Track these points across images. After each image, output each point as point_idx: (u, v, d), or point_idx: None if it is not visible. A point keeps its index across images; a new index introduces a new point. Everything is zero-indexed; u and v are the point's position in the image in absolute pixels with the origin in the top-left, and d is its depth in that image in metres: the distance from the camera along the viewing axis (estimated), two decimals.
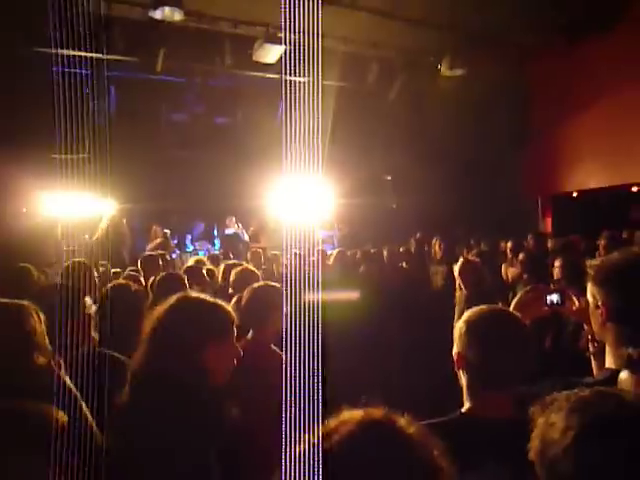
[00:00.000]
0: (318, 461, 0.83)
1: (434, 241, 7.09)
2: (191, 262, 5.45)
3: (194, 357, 1.55)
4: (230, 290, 3.68)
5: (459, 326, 1.58)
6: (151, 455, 1.38)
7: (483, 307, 1.63)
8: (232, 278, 3.75)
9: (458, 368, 1.57)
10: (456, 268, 4.51)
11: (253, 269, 3.92)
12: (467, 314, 1.59)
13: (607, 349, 1.59)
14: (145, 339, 1.60)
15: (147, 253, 6.45)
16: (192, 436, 1.44)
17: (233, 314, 1.69)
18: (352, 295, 4.67)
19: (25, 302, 1.75)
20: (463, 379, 1.56)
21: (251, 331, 2.52)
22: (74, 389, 1.58)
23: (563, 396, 0.98)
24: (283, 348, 1.32)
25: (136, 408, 1.49)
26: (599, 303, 1.57)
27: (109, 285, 2.93)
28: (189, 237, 10.56)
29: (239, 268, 3.94)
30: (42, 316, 1.72)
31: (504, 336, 1.52)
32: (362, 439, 0.83)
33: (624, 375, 1.26)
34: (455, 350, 1.58)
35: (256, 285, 2.70)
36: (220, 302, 1.71)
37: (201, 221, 11.03)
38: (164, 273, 3.59)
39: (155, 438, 1.39)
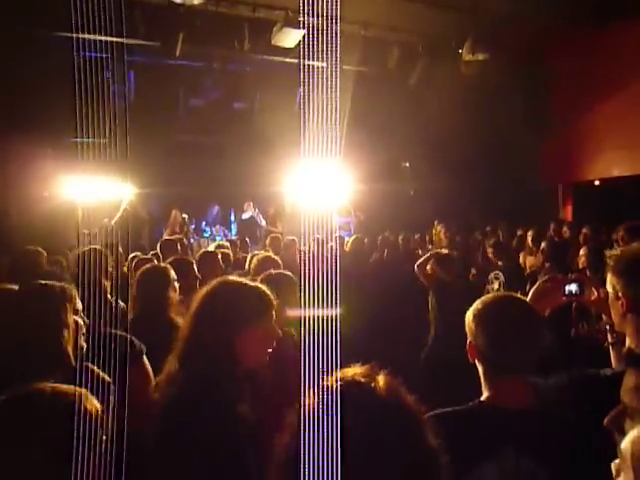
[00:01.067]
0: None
1: (439, 228, 7.04)
2: (211, 247, 5.51)
3: (230, 342, 1.58)
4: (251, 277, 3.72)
5: (468, 316, 1.58)
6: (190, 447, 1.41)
7: (492, 295, 1.63)
8: (253, 264, 3.78)
9: (472, 358, 1.57)
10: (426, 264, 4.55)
11: (275, 257, 3.93)
12: (476, 303, 1.59)
13: (627, 340, 1.57)
14: (186, 326, 1.64)
15: (165, 237, 6.52)
16: (225, 432, 1.47)
17: (271, 297, 1.73)
18: (367, 282, 4.68)
19: (63, 284, 1.80)
20: (479, 368, 1.56)
21: None
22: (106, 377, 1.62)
23: None
24: (301, 335, 1.33)
25: (174, 404, 1.52)
26: (619, 294, 1.55)
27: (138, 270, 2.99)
28: (204, 222, 10.64)
29: (261, 255, 3.97)
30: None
31: (514, 323, 1.52)
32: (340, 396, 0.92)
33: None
34: (468, 340, 1.58)
35: (271, 272, 2.72)
36: (259, 285, 1.75)
37: (215, 204, 11.07)
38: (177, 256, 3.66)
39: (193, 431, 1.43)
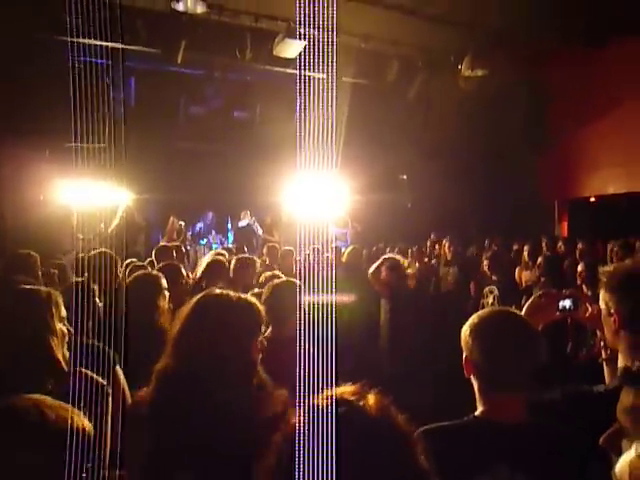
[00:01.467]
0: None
1: (444, 242, 7.06)
2: (210, 256, 5.49)
3: (238, 357, 1.55)
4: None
5: (464, 330, 1.58)
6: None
7: (488, 309, 1.63)
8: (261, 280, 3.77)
9: (467, 373, 1.56)
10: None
11: (279, 274, 3.87)
12: (472, 317, 1.59)
13: (620, 357, 1.57)
14: (176, 338, 1.59)
15: (161, 244, 6.51)
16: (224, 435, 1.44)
17: (263, 312, 1.69)
18: (362, 294, 4.66)
19: (49, 289, 1.78)
20: (474, 383, 1.56)
21: (270, 328, 2.51)
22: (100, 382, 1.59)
23: None
24: (297, 344, 1.33)
25: (167, 409, 1.49)
26: (612, 310, 1.55)
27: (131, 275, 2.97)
28: (197, 228, 10.62)
29: (268, 274, 3.95)
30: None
31: (509, 338, 1.51)
32: (330, 415, 0.92)
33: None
34: (464, 354, 1.57)
35: (278, 281, 2.71)
36: (252, 299, 1.71)
37: (209, 210, 11.05)
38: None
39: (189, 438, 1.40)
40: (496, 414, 1.49)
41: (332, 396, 0.96)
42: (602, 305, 1.61)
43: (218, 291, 1.69)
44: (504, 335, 1.52)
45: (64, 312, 1.76)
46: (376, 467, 0.88)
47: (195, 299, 1.66)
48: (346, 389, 0.99)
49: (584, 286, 4.14)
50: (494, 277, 5.16)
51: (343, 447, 0.89)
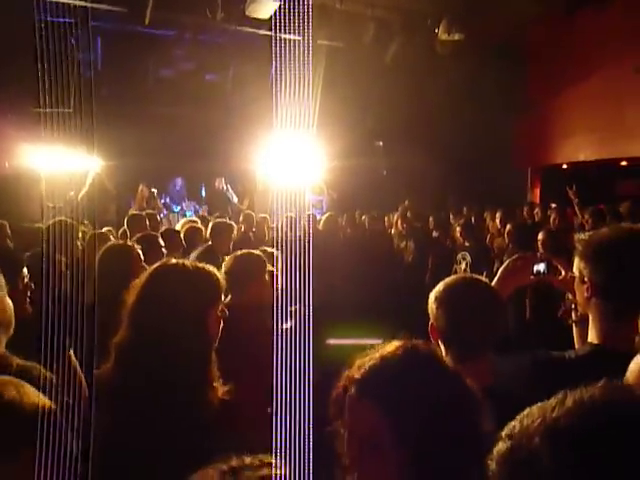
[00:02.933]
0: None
1: (406, 212, 7.13)
2: (181, 223, 5.42)
3: (196, 326, 1.52)
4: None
5: (430, 298, 1.61)
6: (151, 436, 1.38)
7: (454, 277, 1.67)
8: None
9: (434, 339, 1.59)
10: None
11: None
12: (439, 285, 1.63)
13: (590, 324, 1.61)
14: (132, 310, 1.56)
15: (133, 212, 6.39)
16: (186, 415, 1.43)
17: (222, 280, 1.67)
18: (338, 260, 4.69)
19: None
20: (442, 348, 1.59)
21: (229, 296, 2.49)
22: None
23: None
24: (274, 312, 1.32)
25: (130, 385, 1.47)
26: (585, 278, 1.58)
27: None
28: (168, 196, 10.36)
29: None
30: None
31: (473, 305, 1.55)
32: (406, 362, 0.97)
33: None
34: (430, 321, 1.61)
35: (239, 253, 2.68)
36: (210, 267, 1.67)
37: (178, 176, 10.72)
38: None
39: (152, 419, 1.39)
40: None
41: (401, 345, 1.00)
42: (576, 272, 1.63)
43: (174, 260, 1.67)
44: (468, 302, 1.55)
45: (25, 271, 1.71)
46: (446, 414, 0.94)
47: (151, 269, 1.64)
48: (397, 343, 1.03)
49: (544, 251, 4.22)
50: (467, 244, 5.24)
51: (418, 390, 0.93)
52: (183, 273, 1.60)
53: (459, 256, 5.09)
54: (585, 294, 1.58)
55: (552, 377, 1.55)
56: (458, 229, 5.54)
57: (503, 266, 1.92)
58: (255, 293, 2.44)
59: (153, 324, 1.51)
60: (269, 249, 3.00)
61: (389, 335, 1.09)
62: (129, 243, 2.94)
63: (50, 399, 1.10)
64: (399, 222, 6.91)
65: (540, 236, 4.42)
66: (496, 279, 1.87)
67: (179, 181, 10.67)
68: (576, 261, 1.62)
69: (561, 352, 1.64)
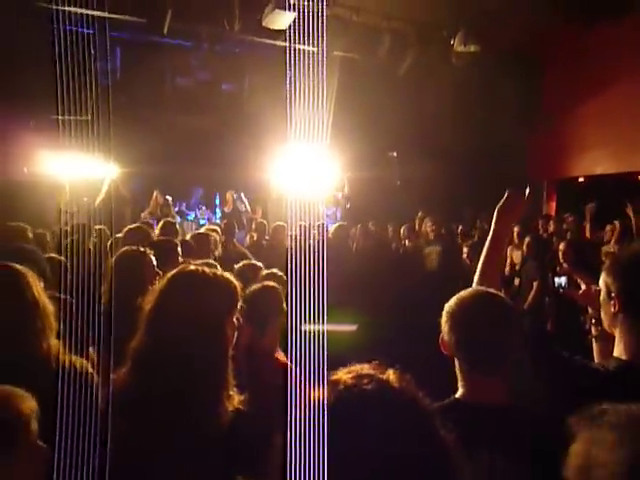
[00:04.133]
0: (322, 412, 0.90)
1: (426, 221, 7.05)
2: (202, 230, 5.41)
3: (213, 333, 1.51)
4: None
5: (444, 312, 1.58)
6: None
7: (467, 291, 1.61)
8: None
9: (449, 354, 1.57)
10: None
11: (257, 264, 3.74)
12: (452, 299, 1.59)
13: (617, 339, 1.57)
14: (149, 315, 1.54)
15: (130, 227, 6.38)
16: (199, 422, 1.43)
17: (239, 289, 1.65)
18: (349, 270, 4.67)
19: (23, 267, 1.72)
20: (456, 364, 1.56)
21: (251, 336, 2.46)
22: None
23: (612, 410, 0.92)
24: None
25: (145, 391, 1.46)
26: (612, 294, 1.54)
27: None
28: (184, 204, 10.47)
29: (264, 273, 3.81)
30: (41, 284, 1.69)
31: (488, 319, 1.51)
32: (356, 392, 0.91)
33: None
34: (443, 335, 1.57)
35: (255, 287, 2.60)
36: (227, 274, 1.66)
37: (199, 187, 10.88)
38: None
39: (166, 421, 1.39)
40: (476, 396, 1.50)
41: (355, 372, 0.95)
42: (602, 287, 1.59)
43: (192, 267, 1.65)
44: (483, 317, 1.51)
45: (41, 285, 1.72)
46: (401, 441, 0.88)
47: (169, 275, 1.62)
48: (364, 366, 0.98)
49: (566, 265, 4.17)
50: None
51: (369, 423, 0.88)
52: (201, 279, 1.58)
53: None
54: (612, 309, 1.54)
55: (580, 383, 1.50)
56: (465, 250, 5.37)
57: (498, 206, 1.98)
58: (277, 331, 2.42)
59: (170, 330, 1.49)
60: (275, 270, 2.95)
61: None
62: (142, 249, 2.93)
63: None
64: (428, 227, 6.82)
65: (561, 247, 4.37)
66: (493, 222, 1.91)
67: (200, 191, 10.80)
68: (603, 275, 1.58)
69: (590, 361, 1.61)
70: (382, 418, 0.88)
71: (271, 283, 2.65)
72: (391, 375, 0.95)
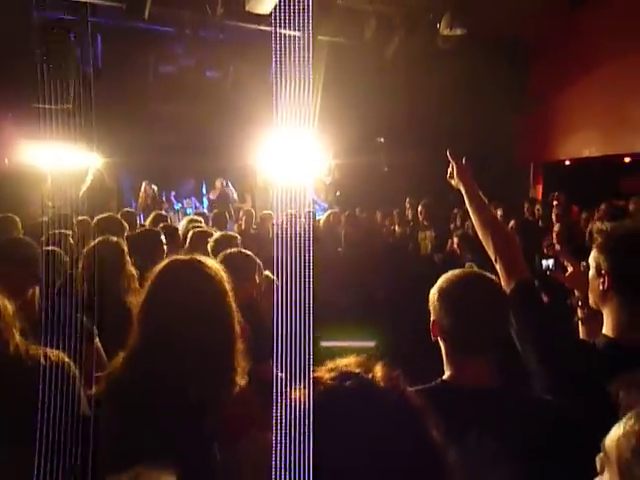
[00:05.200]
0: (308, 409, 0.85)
1: (420, 207, 7.04)
2: (184, 222, 5.35)
3: (209, 323, 1.49)
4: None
5: (432, 293, 1.57)
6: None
7: (455, 272, 1.60)
8: (211, 245, 3.63)
9: (434, 336, 1.56)
10: None
11: (233, 234, 3.77)
12: (440, 280, 1.57)
13: (605, 317, 1.57)
14: (144, 306, 1.52)
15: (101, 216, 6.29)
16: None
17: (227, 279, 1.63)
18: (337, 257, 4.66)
19: None
20: (442, 346, 1.56)
21: None
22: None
23: None
24: (274, 308, 1.29)
25: (139, 386, 1.43)
26: (602, 271, 1.54)
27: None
28: (173, 193, 10.39)
29: (218, 235, 3.78)
30: None
31: (476, 300, 1.50)
32: (338, 389, 0.86)
33: None
34: (432, 318, 1.57)
35: (228, 251, 2.64)
36: (213, 261, 1.66)
37: (191, 178, 10.82)
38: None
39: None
40: (463, 378, 1.50)
41: (337, 368, 0.90)
42: (592, 264, 1.59)
43: (183, 257, 1.63)
44: (471, 298, 1.51)
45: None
46: (387, 442, 0.83)
47: (160, 265, 1.60)
48: (350, 360, 0.93)
49: (560, 245, 4.20)
50: (468, 255, 5.08)
51: (351, 423, 0.83)
52: (194, 268, 1.57)
53: (466, 266, 4.97)
54: (600, 287, 1.54)
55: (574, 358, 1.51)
56: (455, 240, 5.33)
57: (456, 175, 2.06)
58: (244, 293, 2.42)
59: (162, 323, 1.47)
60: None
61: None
62: (114, 238, 2.88)
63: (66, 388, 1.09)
64: (421, 213, 6.78)
65: (556, 228, 4.40)
66: (462, 190, 1.99)
67: (191, 182, 10.74)
68: (594, 252, 1.58)
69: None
70: (365, 418, 0.84)
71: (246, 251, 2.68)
72: (378, 372, 0.90)
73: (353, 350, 0.99)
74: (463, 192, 1.93)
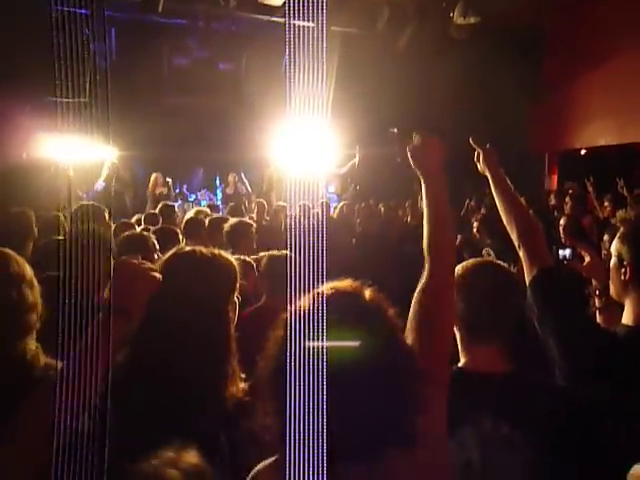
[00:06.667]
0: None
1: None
2: (191, 213, 5.40)
3: (212, 317, 1.48)
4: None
5: None
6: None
7: (472, 261, 1.62)
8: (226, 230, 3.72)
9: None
10: None
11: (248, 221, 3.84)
12: (457, 268, 1.57)
13: (627, 307, 1.56)
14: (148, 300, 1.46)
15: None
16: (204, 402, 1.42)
17: (238, 267, 1.60)
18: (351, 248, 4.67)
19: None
20: (457, 334, 1.57)
21: (264, 297, 2.59)
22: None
23: None
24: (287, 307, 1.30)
25: (140, 378, 1.42)
26: (624, 262, 1.53)
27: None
28: (185, 186, 10.45)
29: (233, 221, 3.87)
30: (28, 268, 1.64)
31: (487, 285, 1.52)
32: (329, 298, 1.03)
33: None
34: None
35: (276, 253, 2.70)
36: (226, 254, 1.60)
37: (200, 167, 10.83)
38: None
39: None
40: (479, 365, 1.51)
41: (335, 287, 1.06)
42: (613, 254, 1.58)
43: (189, 247, 1.58)
44: (482, 282, 1.53)
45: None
46: (368, 351, 0.97)
47: (165, 256, 1.56)
48: (342, 283, 1.09)
49: (565, 238, 4.17)
50: (488, 240, 5.07)
51: (337, 333, 0.98)
52: (199, 260, 1.53)
53: (484, 252, 4.95)
54: (622, 278, 1.53)
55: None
56: (475, 225, 5.31)
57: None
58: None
59: (166, 315, 1.44)
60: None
61: None
62: (145, 233, 2.93)
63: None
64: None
65: (562, 221, 4.37)
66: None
67: (200, 171, 10.76)
68: (616, 243, 1.56)
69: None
70: (353, 324, 1.00)
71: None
72: (366, 292, 1.07)
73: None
74: (489, 177, 1.91)
